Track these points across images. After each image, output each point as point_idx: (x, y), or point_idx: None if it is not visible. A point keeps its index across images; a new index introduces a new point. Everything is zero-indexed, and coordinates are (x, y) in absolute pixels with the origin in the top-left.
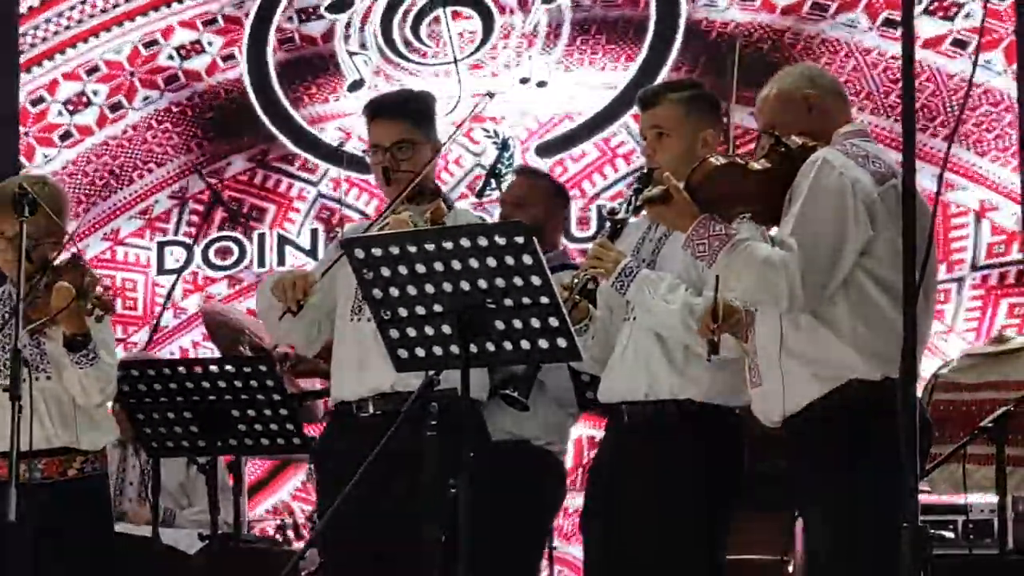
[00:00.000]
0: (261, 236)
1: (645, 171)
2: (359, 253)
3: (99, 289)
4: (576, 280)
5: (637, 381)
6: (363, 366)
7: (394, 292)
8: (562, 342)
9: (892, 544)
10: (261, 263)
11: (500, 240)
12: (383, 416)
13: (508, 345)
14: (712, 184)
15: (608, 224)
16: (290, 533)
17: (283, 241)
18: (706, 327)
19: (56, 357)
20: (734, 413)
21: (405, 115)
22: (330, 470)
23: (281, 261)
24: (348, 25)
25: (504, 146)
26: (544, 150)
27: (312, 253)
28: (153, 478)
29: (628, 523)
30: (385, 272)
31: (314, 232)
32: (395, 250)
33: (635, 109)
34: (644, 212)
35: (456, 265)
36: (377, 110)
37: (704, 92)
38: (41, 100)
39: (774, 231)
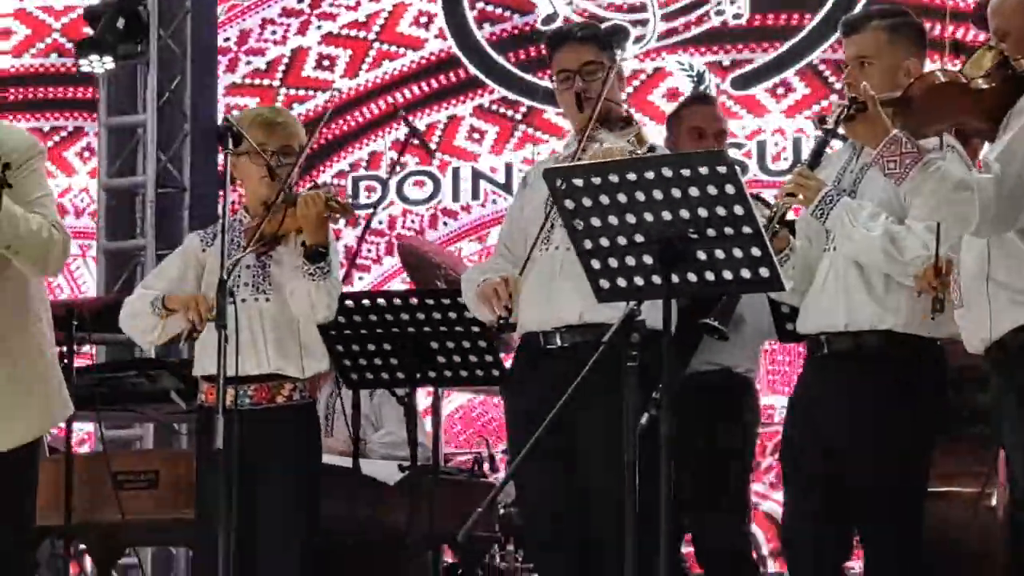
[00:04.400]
0: (456, 170)
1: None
2: (560, 183)
3: (340, 196)
4: (776, 209)
5: (836, 311)
6: (550, 297)
7: (595, 222)
8: (764, 272)
9: None
10: (455, 198)
11: (703, 169)
12: (572, 348)
13: (710, 275)
14: (931, 99)
15: (810, 152)
16: (486, 465)
17: (477, 175)
18: (928, 283)
19: (280, 280)
20: (935, 344)
21: (591, 39)
22: (520, 402)
23: (475, 195)
24: None
25: (699, 79)
26: (740, 83)
27: (507, 187)
28: (353, 410)
29: (830, 455)
30: (586, 202)
31: (508, 166)
32: (597, 180)
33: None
34: (841, 144)
35: (658, 195)
36: (562, 37)
37: (910, 19)
38: None
39: (985, 149)
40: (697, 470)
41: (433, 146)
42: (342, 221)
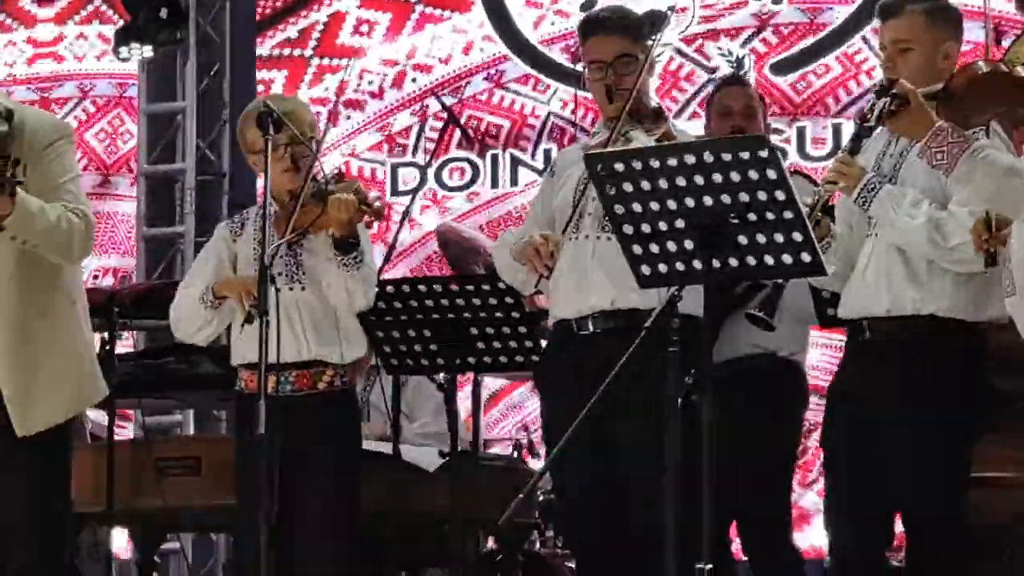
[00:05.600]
0: (495, 157)
1: (883, 83)
2: (601, 169)
3: (372, 196)
4: (817, 196)
5: (879, 297)
6: (582, 284)
7: (636, 207)
8: (806, 257)
9: None
10: (495, 184)
11: (743, 154)
12: (604, 334)
13: (751, 260)
14: (975, 90)
15: (849, 139)
16: (525, 452)
17: (516, 162)
18: (979, 238)
19: (314, 269)
20: (978, 328)
21: (626, 30)
22: (553, 390)
23: (514, 181)
24: None
25: (739, 63)
26: (780, 67)
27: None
28: (394, 396)
29: (872, 441)
30: (627, 187)
31: (547, 152)
32: (638, 165)
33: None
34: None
35: (699, 180)
36: (597, 25)
37: (947, 3)
38: None
39: None
40: (740, 455)
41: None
42: None
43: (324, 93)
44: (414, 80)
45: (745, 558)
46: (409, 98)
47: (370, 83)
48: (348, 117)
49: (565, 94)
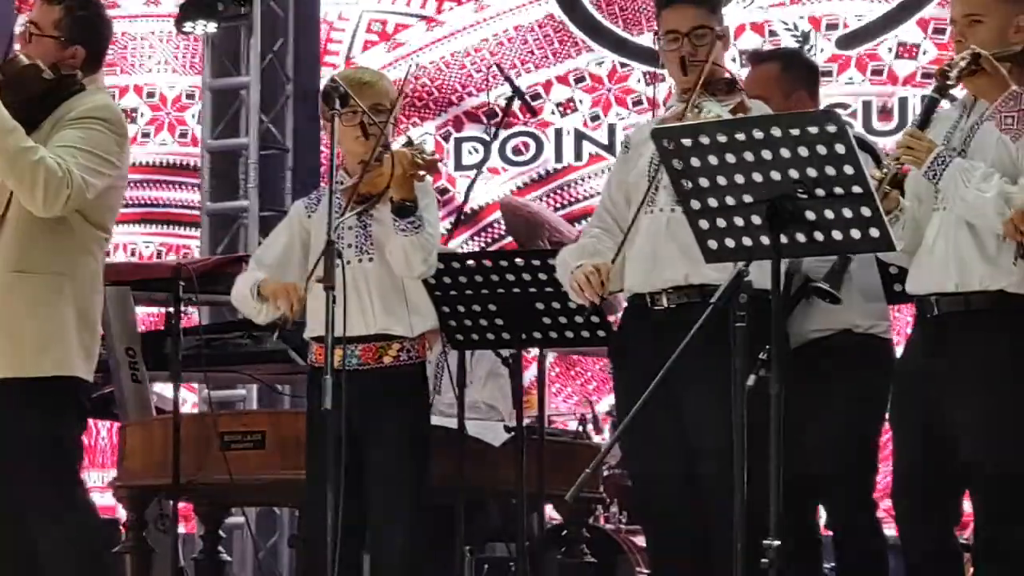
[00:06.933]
0: (558, 131)
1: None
2: (668, 143)
3: (427, 150)
4: (886, 170)
5: (947, 272)
6: (656, 259)
7: (704, 182)
8: (875, 232)
9: None
10: (559, 158)
11: (812, 129)
12: (678, 309)
13: (819, 236)
14: None
15: (919, 113)
16: (590, 427)
17: (580, 136)
18: (1016, 230)
19: (381, 239)
20: None
21: (703, 2)
22: (627, 364)
23: (578, 156)
24: None
25: (804, 39)
26: (845, 42)
27: (609, 148)
28: (459, 371)
29: (940, 418)
30: (695, 162)
31: (611, 127)
32: (705, 140)
33: None
34: (946, 104)
35: (767, 155)
36: None
37: None
38: None
39: None
40: (822, 432)
41: None
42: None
43: None
44: None
45: (829, 533)
46: None
47: None
48: None
49: None
